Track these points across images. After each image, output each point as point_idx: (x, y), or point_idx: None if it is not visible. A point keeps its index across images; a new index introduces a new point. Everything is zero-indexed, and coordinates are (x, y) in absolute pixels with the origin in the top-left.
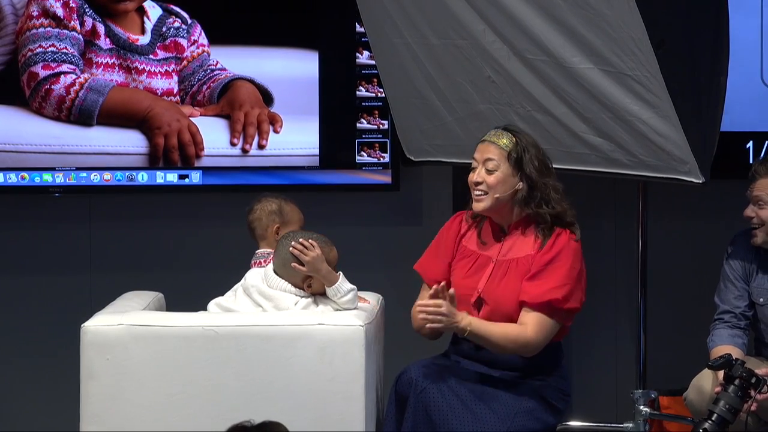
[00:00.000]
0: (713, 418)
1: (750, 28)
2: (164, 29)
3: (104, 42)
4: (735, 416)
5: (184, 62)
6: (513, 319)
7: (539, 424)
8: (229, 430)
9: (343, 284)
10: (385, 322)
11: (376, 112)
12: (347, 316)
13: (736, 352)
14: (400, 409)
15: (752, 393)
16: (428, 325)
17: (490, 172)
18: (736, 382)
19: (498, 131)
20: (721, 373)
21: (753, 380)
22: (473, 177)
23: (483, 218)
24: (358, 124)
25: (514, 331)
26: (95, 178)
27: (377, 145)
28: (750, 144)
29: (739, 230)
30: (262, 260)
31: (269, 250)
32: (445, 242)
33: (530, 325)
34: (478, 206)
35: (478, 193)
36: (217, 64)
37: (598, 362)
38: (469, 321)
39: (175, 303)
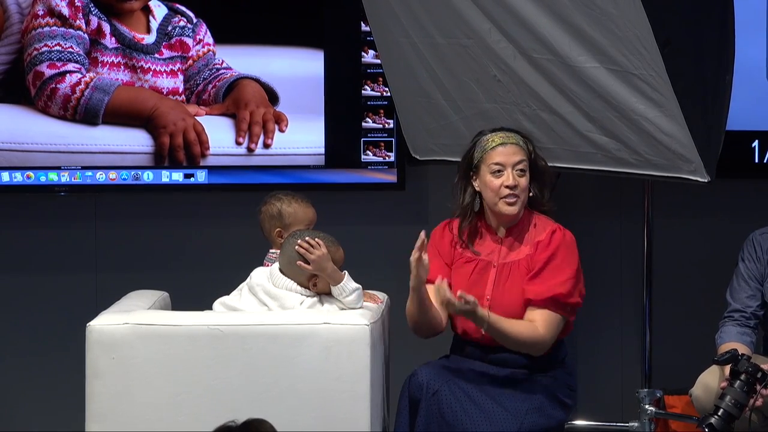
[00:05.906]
0: (719, 413)
1: (755, 27)
2: (170, 28)
3: (110, 41)
4: (741, 411)
5: (190, 61)
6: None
7: (550, 421)
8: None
9: (348, 283)
10: (391, 321)
11: (382, 111)
12: (353, 315)
13: (742, 349)
14: (413, 413)
15: (757, 388)
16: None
17: (522, 173)
18: (742, 377)
19: (508, 133)
20: (727, 369)
21: (758, 375)
22: (507, 181)
23: (473, 224)
24: (363, 123)
25: (527, 329)
26: (101, 177)
27: (383, 144)
28: (756, 143)
29: (755, 230)
30: (269, 263)
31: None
32: (441, 247)
33: (539, 322)
34: (512, 210)
35: (512, 197)
36: (222, 63)
37: (603, 361)
38: (487, 311)
39: (180, 302)
